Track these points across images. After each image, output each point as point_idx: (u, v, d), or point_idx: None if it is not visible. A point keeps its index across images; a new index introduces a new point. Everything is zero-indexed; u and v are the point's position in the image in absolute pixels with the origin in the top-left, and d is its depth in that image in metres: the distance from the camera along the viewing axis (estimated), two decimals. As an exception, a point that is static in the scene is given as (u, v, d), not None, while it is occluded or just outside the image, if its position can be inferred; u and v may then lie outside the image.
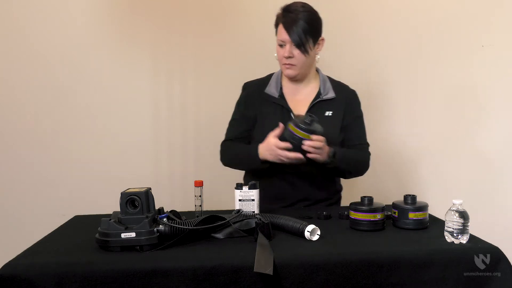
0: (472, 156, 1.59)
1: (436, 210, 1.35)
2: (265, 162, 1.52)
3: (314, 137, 1.41)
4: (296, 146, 1.40)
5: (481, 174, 1.55)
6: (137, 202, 1.13)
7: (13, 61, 2.22)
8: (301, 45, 1.53)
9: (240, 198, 1.35)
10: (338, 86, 1.69)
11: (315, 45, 1.59)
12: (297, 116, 1.51)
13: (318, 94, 1.65)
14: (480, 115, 1.55)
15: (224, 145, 1.70)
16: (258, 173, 1.61)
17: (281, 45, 1.57)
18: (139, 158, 2.31)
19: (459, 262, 1.07)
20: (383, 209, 1.27)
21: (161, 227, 1.12)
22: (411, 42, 1.86)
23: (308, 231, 1.16)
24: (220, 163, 1.73)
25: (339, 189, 1.78)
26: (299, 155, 1.41)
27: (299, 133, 1.40)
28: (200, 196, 1.38)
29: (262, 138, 1.57)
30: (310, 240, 1.16)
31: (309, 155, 1.43)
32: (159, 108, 2.34)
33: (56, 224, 1.40)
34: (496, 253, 1.08)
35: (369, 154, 1.70)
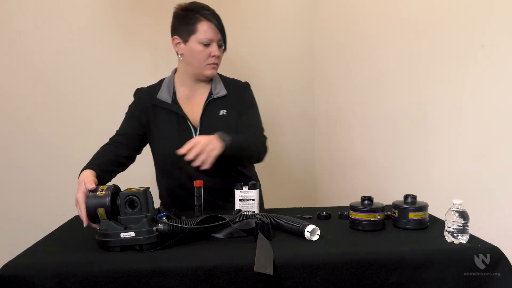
0: (472, 156, 1.58)
1: (436, 210, 1.35)
2: None
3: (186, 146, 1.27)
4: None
5: (482, 174, 1.54)
6: (136, 202, 1.13)
7: (11, 61, 2.21)
8: (225, 44, 1.56)
9: (240, 198, 1.35)
10: (229, 83, 1.66)
11: None
12: None
13: (210, 93, 1.61)
14: (480, 115, 1.55)
15: (108, 142, 1.59)
16: (165, 188, 1.63)
17: (206, 44, 1.52)
18: (138, 158, 2.31)
19: (459, 262, 1.07)
20: (383, 209, 1.27)
21: (160, 226, 1.12)
22: (409, 42, 1.86)
23: (308, 231, 1.16)
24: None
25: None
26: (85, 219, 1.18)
27: None
28: (200, 196, 1.38)
29: (160, 147, 1.59)
30: (310, 240, 1.16)
31: (197, 158, 1.28)
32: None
33: (56, 224, 1.41)
34: (496, 253, 1.08)
35: (263, 138, 1.60)
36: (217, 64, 1.57)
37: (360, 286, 1.04)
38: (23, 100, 2.24)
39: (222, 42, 1.56)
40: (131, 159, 1.61)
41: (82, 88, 2.28)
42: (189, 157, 1.23)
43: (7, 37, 2.20)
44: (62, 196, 2.26)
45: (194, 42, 1.53)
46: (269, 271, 0.98)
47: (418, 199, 1.28)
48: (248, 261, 1.01)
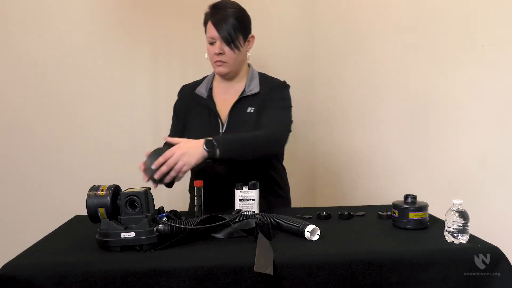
0: (472, 156, 1.58)
1: (436, 210, 1.35)
2: None
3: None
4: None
5: (482, 174, 1.55)
6: (136, 202, 1.13)
7: (11, 61, 2.21)
8: (230, 42, 1.54)
9: (240, 198, 1.35)
10: (264, 81, 1.66)
11: (245, 42, 1.60)
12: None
13: (244, 90, 1.63)
14: (480, 115, 1.55)
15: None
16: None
17: (211, 43, 1.56)
18: (139, 158, 2.31)
19: (459, 262, 1.07)
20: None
21: (160, 226, 1.12)
22: (409, 42, 1.86)
23: (308, 231, 1.16)
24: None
25: (281, 190, 1.71)
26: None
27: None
28: (200, 196, 1.38)
29: None
30: (310, 240, 1.16)
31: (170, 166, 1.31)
32: (158, 107, 2.34)
33: (56, 224, 1.40)
34: (496, 253, 1.08)
35: (279, 131, 1.56)
36: (223, 62, 1.57)
37: (360, 286, 1.04)
38: (23, 100, 2.24)
39: (226, 40, 1.54)
40: None
41: (82, 88, 2.28)
42: (156, 176, 1.28)
43: (7, 36, 2.20)
44: (62, 196, 2.27)
45: (207, 41, 1.59)
46: (269, 271, 0.98)
47: (418, 199, 1.28)
48: (248, 261, 1.01)
